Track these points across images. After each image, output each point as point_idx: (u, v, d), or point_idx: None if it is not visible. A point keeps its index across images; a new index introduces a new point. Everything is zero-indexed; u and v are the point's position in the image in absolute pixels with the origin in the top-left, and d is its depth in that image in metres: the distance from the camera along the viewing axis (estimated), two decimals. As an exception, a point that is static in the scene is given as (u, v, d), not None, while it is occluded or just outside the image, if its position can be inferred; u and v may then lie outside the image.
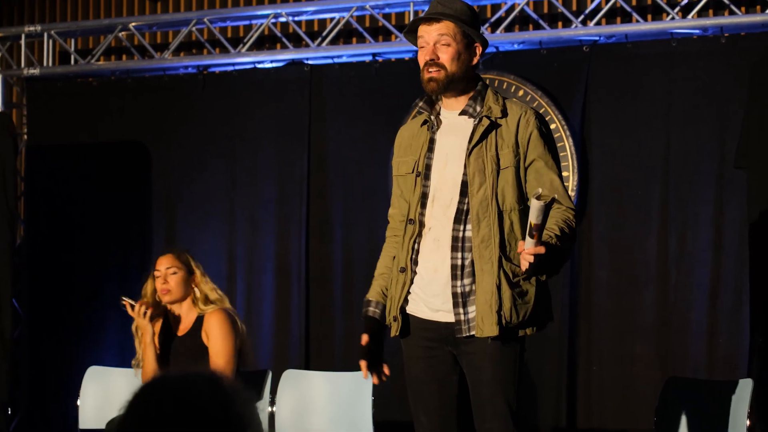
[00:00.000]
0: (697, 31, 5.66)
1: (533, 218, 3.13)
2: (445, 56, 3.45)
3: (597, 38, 5.81)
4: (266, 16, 6.42)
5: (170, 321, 4.84)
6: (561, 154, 5.44)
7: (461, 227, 3.42)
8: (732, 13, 5.63)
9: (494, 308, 3.35)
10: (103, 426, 4.99)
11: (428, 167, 3.50)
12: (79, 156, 6.76)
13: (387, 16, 6.28)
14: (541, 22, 5.90)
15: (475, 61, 3.51)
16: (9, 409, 6.44)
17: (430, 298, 3.47)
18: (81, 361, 5.92)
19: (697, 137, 5.56)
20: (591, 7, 5.87)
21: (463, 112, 3.50)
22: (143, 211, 6.60)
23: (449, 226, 3.44)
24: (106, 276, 6.61)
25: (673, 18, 5.69)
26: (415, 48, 3.55)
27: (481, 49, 3.52)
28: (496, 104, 3.48)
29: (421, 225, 3.49)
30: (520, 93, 5.80)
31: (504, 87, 5.81)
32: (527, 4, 5.90)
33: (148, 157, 6.61)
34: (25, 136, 6.89)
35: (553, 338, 5.59)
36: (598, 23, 5.86)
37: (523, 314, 3.39)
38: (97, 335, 6.56)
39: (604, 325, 5.69)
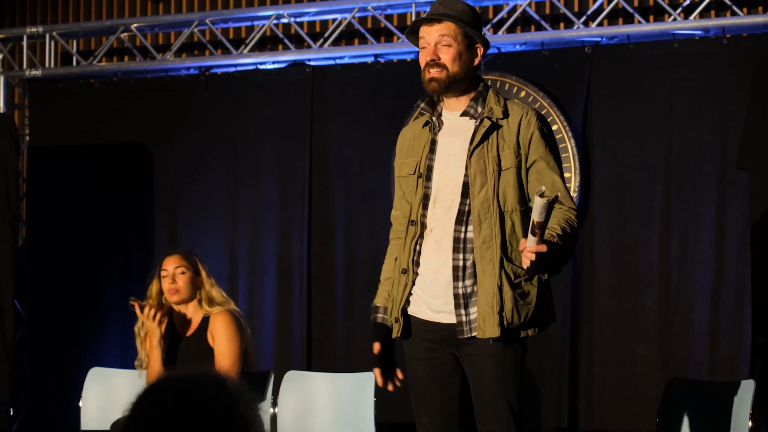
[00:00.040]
0: (699, 32, 5.66)
1: (536, 216, 3.11)
2: (447, 57, 3.44)
3: (599, 39, 5.81)
4: (268, 17, 6.42)
5: (174, 322, 4.83)
6: (563, 155, 5.48)
7: (463, 228, 3.42)
8: (734, 14, 5.63)
9: (496, 309, 3.35)
10: (105, 427, 4.99)
11: (430, 168, 3.50)
12: (81, 157, 6.76)
13: (389, 17, 6.27)
14: (543, 23, 5.90)
15: (477, 61, 3.51)
16: (11, 410, 6.43)
17: (432, 300, 3.46)
18: (83, 363, 5.92)
19: (699, 138, 5.56)
20: (593, 8, 5.87)
21: (464, 113, 3.50)
22: (145, 212, 6.60)
23: (451, 228, 3.43)
24: (108, 277, 6.61)
25: (675, 19, 5.69)
26: (417, 49, 3.55)
27: (482, 50, 3.51)
28: (497, 105, 3.48)
29: (423, 226, 3.48)
30: (522, 94, 5.80)
31: (506, 88, 5.81)
32: (529, 5, 5.90)
33: (150, 158, 6.61)
34: (27, 138, 6.88)
35: (555, 339, 5.59)
36: (600, 24, 5.86)
37: (524, 315, 3.39)
38: (99, 336, 6.56)
39: (606, 326, 5.69)
